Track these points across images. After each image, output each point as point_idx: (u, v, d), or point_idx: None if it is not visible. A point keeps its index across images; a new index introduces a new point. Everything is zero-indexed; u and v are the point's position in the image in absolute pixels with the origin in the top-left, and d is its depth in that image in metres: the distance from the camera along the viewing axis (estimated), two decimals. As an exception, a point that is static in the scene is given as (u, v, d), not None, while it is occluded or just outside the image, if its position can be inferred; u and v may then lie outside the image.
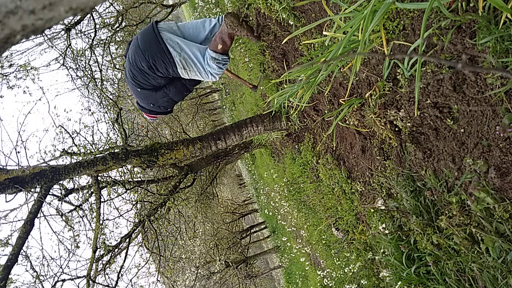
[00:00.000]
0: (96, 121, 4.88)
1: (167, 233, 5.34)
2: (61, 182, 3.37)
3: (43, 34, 4.72)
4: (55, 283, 3.46)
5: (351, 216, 3.45)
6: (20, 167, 3.16)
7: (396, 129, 2.34)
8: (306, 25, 2.34)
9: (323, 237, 4.67)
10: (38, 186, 3.08)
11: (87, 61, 5.43)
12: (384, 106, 2.31)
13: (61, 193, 3.58)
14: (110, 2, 5.78)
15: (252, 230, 15.90)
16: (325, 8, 1.80)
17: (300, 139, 4.47)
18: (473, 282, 1.97)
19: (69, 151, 3.91)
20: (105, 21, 5.74)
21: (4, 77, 4.83)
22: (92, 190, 3.78)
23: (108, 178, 4.21)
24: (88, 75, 5.48)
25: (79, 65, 5.42)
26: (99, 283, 3.75)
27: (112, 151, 3.82)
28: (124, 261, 4.00)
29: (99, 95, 5.75)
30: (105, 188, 3.95)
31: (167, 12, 6.22)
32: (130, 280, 4.21)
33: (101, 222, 3.77)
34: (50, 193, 3.25)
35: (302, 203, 5.38)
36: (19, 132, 3.48)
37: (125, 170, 4.42)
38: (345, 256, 3.99)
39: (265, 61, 4.07)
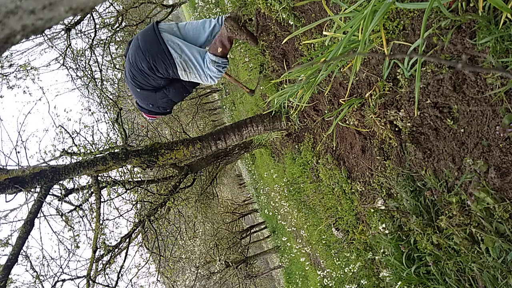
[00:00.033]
0: (96, 121, 4.88)
1: (167, 233, 5.34)
2: (61, 182, 3.37)
3: (43, 34, 4.72)
4: (55, 283, 3.46)
5: (351, 216, 3.45)
6: (20, 167, 3.16)
7: (396, 129, 2.34)
8: (306, 25, 2.34)
9: (323, 237, 4.67)
10: (38, 186, 3.08)
11: (87, 61, 5.43)
12: (384, 106, 2.31)
13: (61, 193, 3.58)
14: (110, 2, 5.78)
15: (252, 230, 15.90)
16: (325, 8, 1.80)
17: (300, 139, 4.47)
18: (473, 282, 1.97)
19: (69, 151, 3.91)
20: (105, 21, 5.75)
21: (4, 77, 4.83)
22: (92, 190, 3.78)
23: (108, 178, 4.21)
24: (88, 75, 5.48)
25: (79, 65, 5.43)
26: (99, 283, 3.75)
27: (112, 151, 3.82)
28: (124, 261, 4.01)
29: (99, 95, 5.76)
30: (105, 188, 3.95)
31: (167, 12, 6.22)
32: (130, 280, 4.21)
33: (101, 222, 3.77)
34: (50, 193, 3.25)
35: (302, 203, 5.38)
36: (19, 132, 3.48)
37: (125, 170, 4.42)
38: (345, 256, 3.99)
39: (265, 61, 4.07)
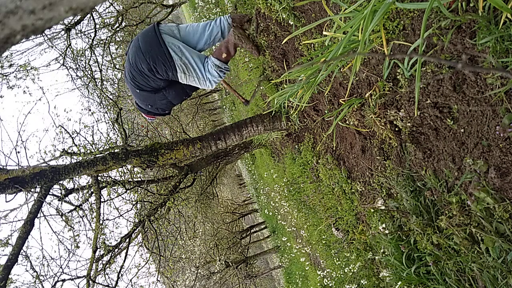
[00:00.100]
0: (96, 121, 4.88)
1: (167, 233, 5.34)
2: (61, 182, 3.37)
3: (43, 34, 4.72)
4: (55, 283, 3.46)
5: (351, 216, 3.45)
6: (20, 167, 3.16)
7: (396, 129, 2.34)
8: (306, 25, 2.34)
9: (323, 237, 4.67)
10: (38, 186, 3.08)
11: (87, 61, 5.43)
12: (384, 106, 2.31)
13: (61, 193, 3.58)
14: (110, 2, 5.78)
15: (252, 230, 15.90)
16: (325, 8, 1.80)
17: (300, 139, 4.47)
18: (473, 282, 1.97)
19: (69, 151, 3.91)
20: (105, 21, 5.75)
21: (4, 77, 4.84)
22: (92, 190, 3.78)
23: (108, 178, 4.21)
24: (88, 75, 5.48)
25: (79, 65, 5.43)
26: (99, 283, 3.75)
27: (112, 151, 3.82)
28: (124, 261, 4.01)
29: (99, 95, 5.76)
30: (105, 188, 3.95)
31: (167, 12, 6.22)
32: (130, 280, 4.22)
33: (101, 222, 3.77)
34: (50, 193, 3.25)
35: (302, 203, 5.38)
36: (19, 132, 3.48)
37: (125, 170, 4.42)
38: (345, 256, 3.99)
39: (265, 61, 4.07)
